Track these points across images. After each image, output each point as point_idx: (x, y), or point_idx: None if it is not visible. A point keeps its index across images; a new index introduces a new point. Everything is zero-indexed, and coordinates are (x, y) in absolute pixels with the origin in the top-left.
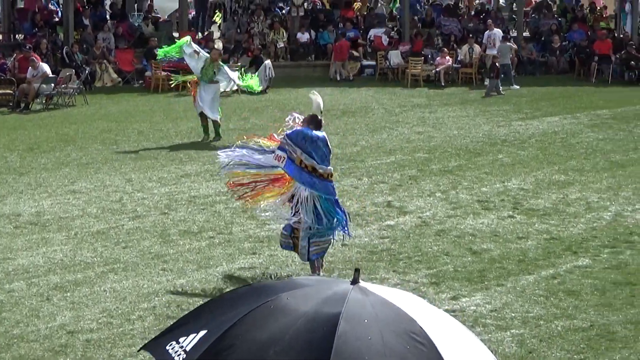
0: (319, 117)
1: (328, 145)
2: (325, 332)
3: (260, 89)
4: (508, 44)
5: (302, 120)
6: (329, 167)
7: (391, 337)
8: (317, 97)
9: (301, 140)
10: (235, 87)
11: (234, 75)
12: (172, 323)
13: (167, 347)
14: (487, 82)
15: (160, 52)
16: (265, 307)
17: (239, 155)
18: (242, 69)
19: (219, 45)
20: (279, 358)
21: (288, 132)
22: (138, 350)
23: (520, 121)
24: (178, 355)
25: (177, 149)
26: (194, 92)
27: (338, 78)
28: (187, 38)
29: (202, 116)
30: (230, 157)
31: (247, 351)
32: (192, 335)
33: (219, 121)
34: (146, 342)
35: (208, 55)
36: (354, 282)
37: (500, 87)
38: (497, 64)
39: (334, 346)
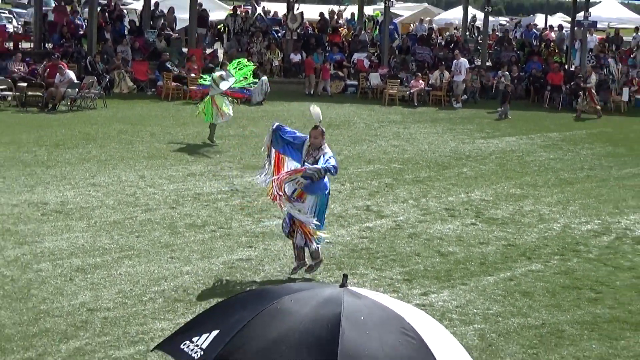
0: (322, 128)
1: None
2: (330, 329)
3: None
4: (507, 73)
5: (318, 134)
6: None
7: (385, 332)
8: (316, 108)
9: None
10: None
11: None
12: (182, 324)
13: (182, 346)
14: (454, 103)
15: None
16: (272, 309)
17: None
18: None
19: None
20: (290, 353)
21: (331, 167)
22: (151, 350)
23: (483, 139)
24: (195, 353)
25: (184, 150)
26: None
27: (311, 92)
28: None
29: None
30: (263, 171)
31: (261, 348)
32: (205, 335)
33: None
34: (159, 341)
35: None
36: (342, 285)
37: (508, 112)
38: (509, 90)
39: (340, 340)
